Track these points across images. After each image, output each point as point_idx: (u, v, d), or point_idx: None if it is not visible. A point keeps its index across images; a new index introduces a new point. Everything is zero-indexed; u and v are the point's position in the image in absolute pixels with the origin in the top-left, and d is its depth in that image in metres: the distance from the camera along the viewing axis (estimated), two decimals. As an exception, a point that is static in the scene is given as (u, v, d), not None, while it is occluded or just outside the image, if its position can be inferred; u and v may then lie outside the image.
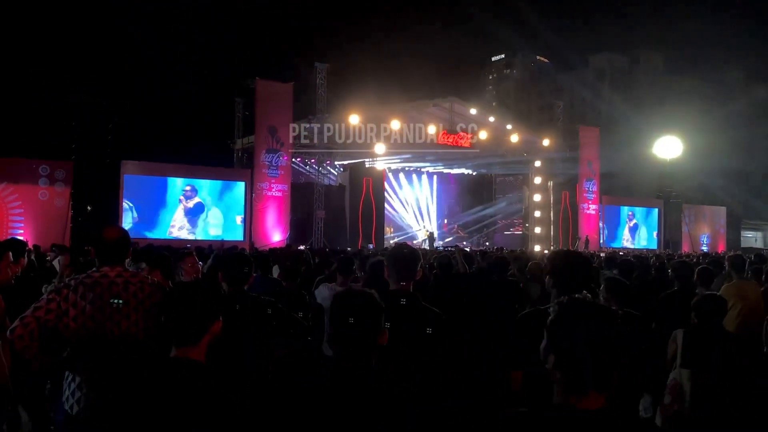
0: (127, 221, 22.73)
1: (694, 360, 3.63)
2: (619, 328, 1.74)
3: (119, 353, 3.11)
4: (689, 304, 4.91)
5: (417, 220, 35.04)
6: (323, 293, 5.63)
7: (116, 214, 22.82)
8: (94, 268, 3.28)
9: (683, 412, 3.50)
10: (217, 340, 2.36)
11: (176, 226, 24.23)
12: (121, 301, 3.25)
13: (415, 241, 30.44)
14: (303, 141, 26.45)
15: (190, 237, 23.66)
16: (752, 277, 6.84)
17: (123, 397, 2.19)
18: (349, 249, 19.90)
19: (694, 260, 11.70)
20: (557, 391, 1.73)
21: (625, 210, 36.70)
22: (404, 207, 34.66)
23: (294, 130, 25.58)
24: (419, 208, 35.32)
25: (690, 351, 3.72)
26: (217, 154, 32.49)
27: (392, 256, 3.47)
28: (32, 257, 8.56)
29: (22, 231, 20.46)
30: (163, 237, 22.77)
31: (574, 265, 3.13)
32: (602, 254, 15.96)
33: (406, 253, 3.44)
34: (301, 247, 20.35)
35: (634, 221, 36.83)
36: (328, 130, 26.40)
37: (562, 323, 1.74)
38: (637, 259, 10.57)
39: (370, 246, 23.45)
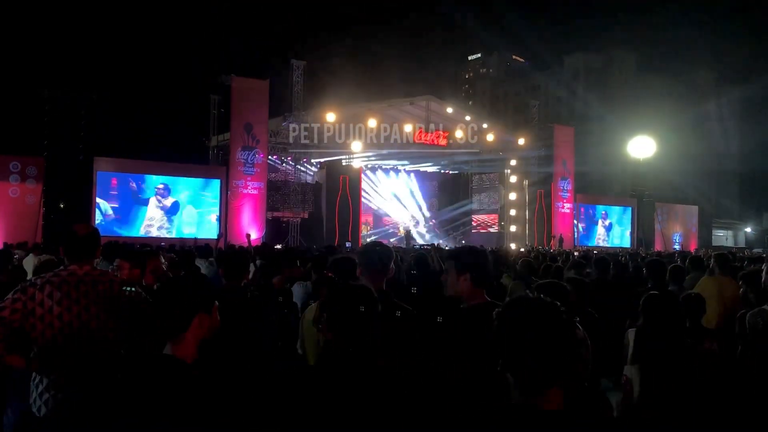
0: (100, 219, 22.45)
1: (642, 356, 3.70)
2: (566, 321, 1.69)
3: (88, 353, 3.07)
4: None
5: (394, 218, 35.08)
6: (297, 292, 5.63)
7: (89, 211, 22.50)
8: (62, 267, 3.22)
9: (633, 406, 3.56)
10: (211, 336, 2.37)
11: (150, 224, 23.96)
12: (133, 289, 3.23)
13: (392, 239, 30.47)
14: (279, 139, 26.37)
15: (165, 235, 23.41)
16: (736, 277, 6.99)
17: (95, 397, 2.17)
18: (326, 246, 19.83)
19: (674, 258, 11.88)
20: (513, 390, 1.69)
21: (600, 209, 37.07)
22: (381, 205, 34.68)
23: (270, 127, 25.46)
24: (396, 206, 35.36)
25: (639, 347, 3.79)
26: (192, 152, 32.22)
27: (364, 253, 3.46)
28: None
29: (-9, 229, 20.11)
30: (137, 235, 22.52)
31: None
32: (576, 253, 16.11)
33: (377, 251, 3.42)
34: (278, 246, 20.24)
35: (609, 220, 37.22)
36: (305, 128, 26.35)
37: (503, 328, 1.70)
38: (610, 257, 10.70)
39: (348, 244, 23.39)
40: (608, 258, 7.90)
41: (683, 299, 4.44)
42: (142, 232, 23.37)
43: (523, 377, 1.65)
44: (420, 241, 30.99)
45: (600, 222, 36.78)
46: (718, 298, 5.83)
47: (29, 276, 7.55)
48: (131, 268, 4.37)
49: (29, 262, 8.21)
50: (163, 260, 4.78)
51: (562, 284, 4.16)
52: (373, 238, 30.30)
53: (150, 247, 8.87)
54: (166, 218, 24.27)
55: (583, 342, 3.70)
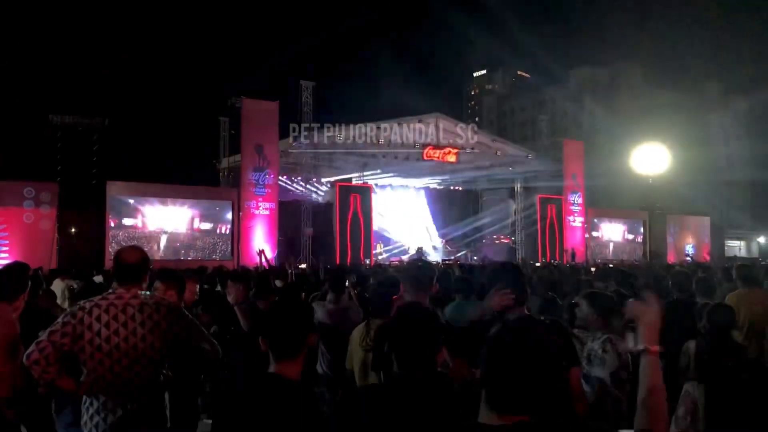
0: (114, 243, 22.49)
1: (707, 373, 3.62)
2: (555, 352, 1.65)
3: (135, 375, 3.10)
4: (688, 313, 4.95)
5: (405, 236, 35.03)
6: (317, 312, 5.48)
7: (103, 235, 22.60)
8: (110, 290, 3.27)
9: (697, 427, 3.50)
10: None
11: (165, 247, 24.03)
12: (148, 293, 3.28)
13: (404, 256, 30.45)
14: (290, 155, 26.44)
15: (180, 257, 23.46)
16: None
17: (146, 419, 2.26)
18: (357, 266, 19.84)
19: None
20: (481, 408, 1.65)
21: (611, 222, 36.99)
22: (393, 223, 34.66)
23: (281, 147, 25.58)
24: (407, 224, 35.33)
25: (704, 364, 3.71)
26: (203, 174, 32.49)
27: (407, 270, 3.59)
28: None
29: (7, 255, 20.22)
30: (152, 258, 22.49)
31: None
32: (592, 269, 16.04)
33: (421, 268, 3.55)
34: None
35: (620, 233, 37.10)
36: (315, 146, 26.48)
37: (497, 343, 1.67)
38: (631, 271, 10.68)
39: (368, 262, 23.44)
40: (629, 271, 7.90)
41: (708, 311, 4.39)
42: (157, 256, 23.41)
43: (492, 395, 1.65)
44: (435, 256, 30.98)
45: (611, 235, 36.68)
46: (749, 310, 5.79)
47: (58, 299, 7.63)
48: (167, 289, 4.44)
49: (57, 287, 8.30)
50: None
51: (608, 294, 4.15)
52: (385, 256, 30.34)
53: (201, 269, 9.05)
54: (179, 241, 24.35)
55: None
